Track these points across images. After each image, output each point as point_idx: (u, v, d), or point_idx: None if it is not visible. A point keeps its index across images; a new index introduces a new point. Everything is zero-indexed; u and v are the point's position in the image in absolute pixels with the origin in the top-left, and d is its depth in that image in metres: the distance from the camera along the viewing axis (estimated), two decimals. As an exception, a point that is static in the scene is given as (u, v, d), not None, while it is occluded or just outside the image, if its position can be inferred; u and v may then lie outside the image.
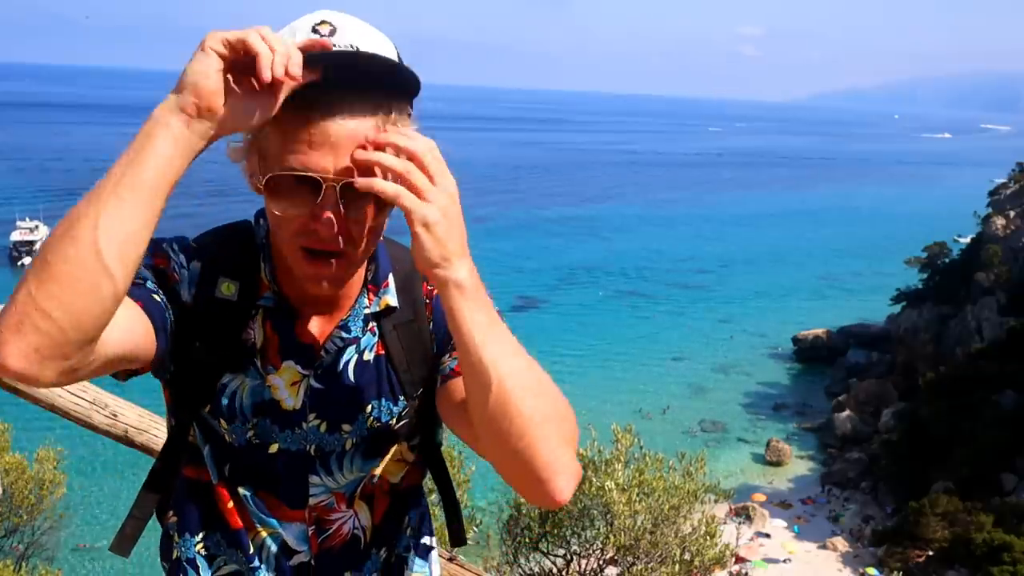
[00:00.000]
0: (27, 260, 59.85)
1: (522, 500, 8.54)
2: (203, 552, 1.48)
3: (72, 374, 1.09)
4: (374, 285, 1.42)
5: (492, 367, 1.16)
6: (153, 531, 1.54)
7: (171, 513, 1.51)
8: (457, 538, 1.63)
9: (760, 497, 39.55)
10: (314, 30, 1.20)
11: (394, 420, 1.45)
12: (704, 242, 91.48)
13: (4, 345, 1.03)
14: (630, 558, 8.15)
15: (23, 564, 8.11)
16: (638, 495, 8.02)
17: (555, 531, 8.35)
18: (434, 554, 1.64)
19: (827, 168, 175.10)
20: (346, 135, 1.18)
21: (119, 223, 1.06)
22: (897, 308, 61.39)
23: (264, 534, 1.45)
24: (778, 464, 43.96)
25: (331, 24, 1.21)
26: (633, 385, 50.70)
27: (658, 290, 73.36)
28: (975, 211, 65.52)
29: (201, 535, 1.48)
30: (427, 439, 1.52)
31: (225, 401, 1.38)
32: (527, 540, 8.44)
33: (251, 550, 1.45)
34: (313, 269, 1.26)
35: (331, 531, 1.47)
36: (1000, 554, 29.04)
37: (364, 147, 1.18)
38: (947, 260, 62.82)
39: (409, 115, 1.25)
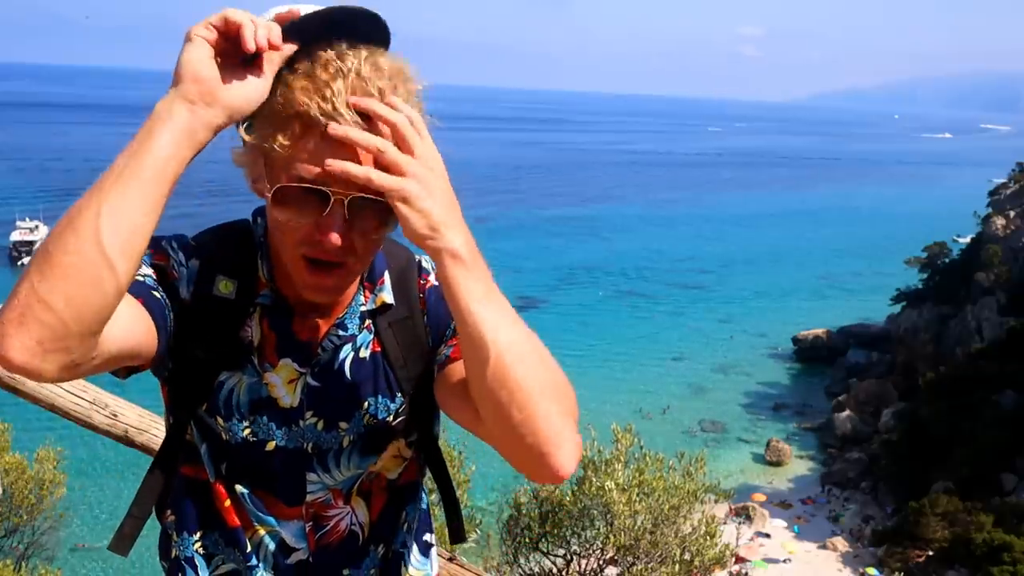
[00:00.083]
0: (27, 260, 59.94)
1: (522, 500, 8.55)
2: (201, 551, 1.48)
3: (74, 369, 1.09)
4: (370, 283, 1.43)
5: (490, 336, 1.14)
6: (153, 530, 1.54)
7: (169, 512, 1.51)
8: (457, 535, 1.63)
9: (760, 497, 39.55)
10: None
11: (391, 417, 1.45)
12: (704, 242, 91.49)
13: (6, 338, 1.03)
14: (630, 558, 8.16)
15: (23, 564, 8.11)
16: (638, 495, 8.02)
17: (555, 531, 8.35)
18: (433, 551, 1.64)
19: (827, 168, 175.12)
20: (358, 148, 1.18)
21: (122, 215, 1.06)
22: (897, 308, 61.40)
23: (262, 532, 1.45)
24: (778, 464, 43.96)
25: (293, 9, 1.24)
26: (633, 385, 50.71)
27: (658, 290, 73.37)
28: (975, 211, 65.53)
29: (199, 534, 1.48)
30: (424, 435, 1.53)
31: (222, 399, 1.39)
32: (527, 540, 8.44)
33: (248, 549, 1.45)
34: (314, 279, 1.27)
35: (328, 528, 1.47)
36: (1000, 554, 29.05)
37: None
38: (947, 260, 62.84)
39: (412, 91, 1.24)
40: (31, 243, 63.24)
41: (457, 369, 1.34)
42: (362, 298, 1.42)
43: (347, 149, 1.17)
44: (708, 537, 8.49)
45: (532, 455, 1.17)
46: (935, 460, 38.27)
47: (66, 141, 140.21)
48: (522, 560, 8.59)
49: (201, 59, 1.13)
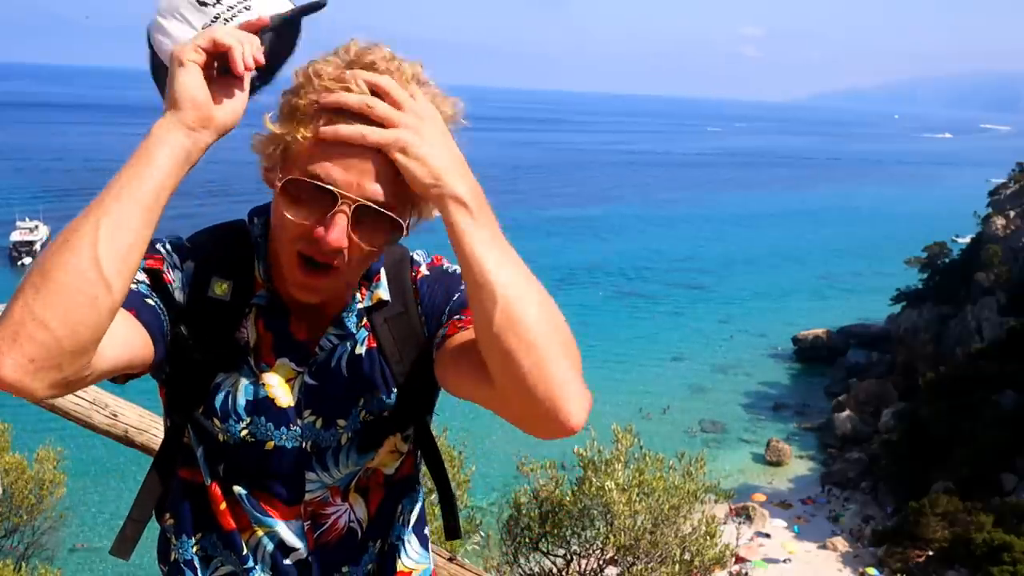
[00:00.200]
0: (27, 260, 60.04)
1: (522, 500, 8.55)
2: (200, 553, 1.48)
3: (66, 386, 1.10)
4: (366, 280, 1.43)
5: (497, 279, 1.13)
6: (153, 531, 1.54)
7: (168, 516, 1.51)
8: (453, 532, 1.64)
9: (760, 497, 39.56)
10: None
11: (387, 412, 1.45)
12: (704, 242, 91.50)
13: None
14: (630, 558, 8.16)
15: (23, 564, 8.10)
16: (638, 495, 8.02)
17: (555, 531, 8.36)
18: (429, 544, 1.65)
19: (827, 168, 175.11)
20: (375, 157, 1.19)
21: (120, 235, 1.08)
22: (897, 308, 61.42)
23: (260, 533, 1.45)
24: (778, 464, 43.98)
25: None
26: (633, 385, 50.71)
27: (658, 290, 73.39)
28: (975, 211, 65.55)
29: (197, 537, 1.48)
30: (421, 429, 1.53)
31: (219, 400, 1.39)
32: (527, 540, 8.44)
33: (244, 551, 1.45)
34: (305, 278, 1.28)
35: (327, 526, 1.47)
36: (1000, 554, 29.04)
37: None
38: (947, 260, 62.86)
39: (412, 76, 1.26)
40: (31, 243, 63.24)
41: (456, 340, 1.34)
42: (358, 296, 1.43)
43: (362, 153, 1.19)
44: (708, 537, 8.49)
45: (543, 406, 1.13)
46: (935, 460, 38.27)
47: (66, 141, 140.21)
48: (522, 560, 8.59)
49: (196, 86, 1.16)
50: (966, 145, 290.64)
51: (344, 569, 1.50)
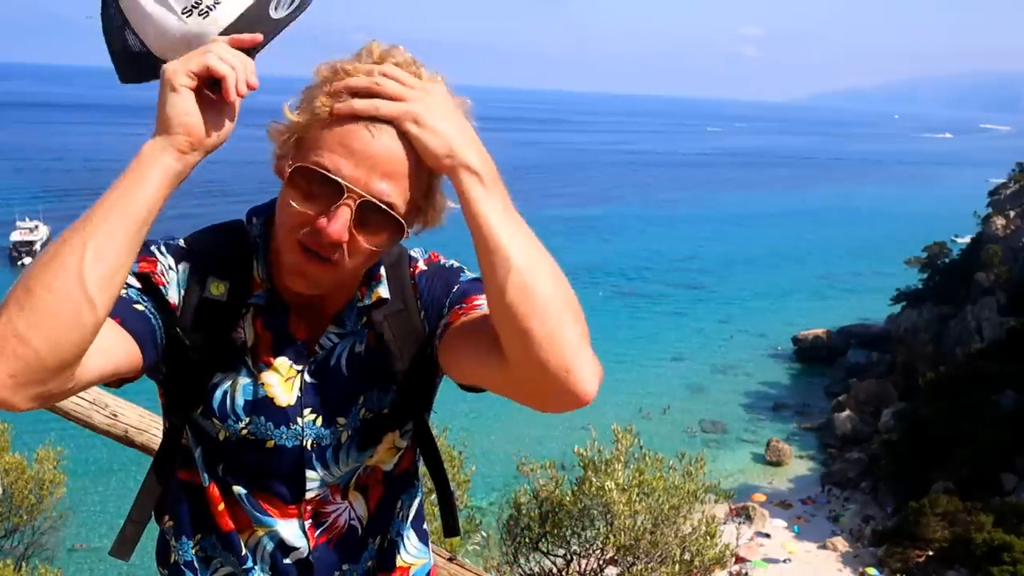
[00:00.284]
0: (27, 260, 59.91)
1: (522, 500, 8.54)
2: (199, 554, 1.48)
3: (48, 399, 1.11)
4: (367, 279, 1.43)
5: (511, 250, 1.15)
6: (153, 532, 1.54)
7: (167, 517, 1.51)
8: (451, 530, 1.64)
9: (760, 497, 39.57)
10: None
11: (387, 409, 1.45)
12: (704, 242, 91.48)
13: None
14: (630, 558, 8.15)
15: (23, 564, 8.10)
16: (638, 495, 8.02)
17: (555, 531, 8.35)
18: (429, 541, 1.65)
19: (827, 168, 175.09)
20: (385, 156, 1.20)
21: (107, 254, 1.08)
22: (897, 308, 61.44)
23: (260, 533, 1.45)
24: (778, 464, 43.99)
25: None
26: (633, 385, 50.65)
27: (658, 290, 73.40)
28: (975, 211, 65.55)
29: (196, 538, 1.48)
30: (419, 425, 1.53)
31: (217, 400, 1.39)
32: (527, 540, 8.44)
33: (243, 552, 1.45)
34: (303, 262, 1.26)
35: (328, 524, 1.47)
36: (1000, 554, 29.05)
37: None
38: (947, 260, 62.89)
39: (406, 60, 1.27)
40: (31, 243, 63.22)
41: (460, 323, 1.35)
42: (359, 294, 1.42)
43: (374, 151, 1.20)
44: (708, 537, 8.49)
45: (558, 376, 1.13)
46: (935, 460, 38.28)
47: (66, 141, 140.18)
48: (522, 560, 8.58)
49: (188, 110, 1.16)
50: (966, 145, 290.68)
51: (344, 567, 1.50)
